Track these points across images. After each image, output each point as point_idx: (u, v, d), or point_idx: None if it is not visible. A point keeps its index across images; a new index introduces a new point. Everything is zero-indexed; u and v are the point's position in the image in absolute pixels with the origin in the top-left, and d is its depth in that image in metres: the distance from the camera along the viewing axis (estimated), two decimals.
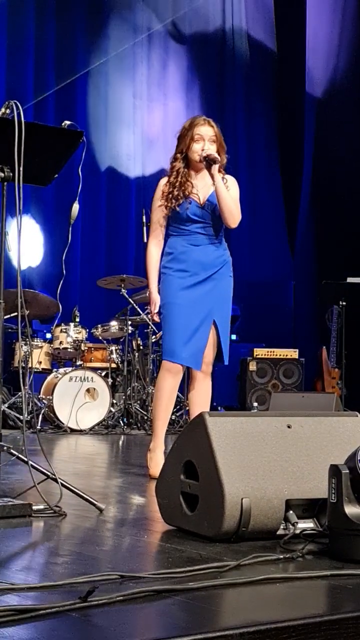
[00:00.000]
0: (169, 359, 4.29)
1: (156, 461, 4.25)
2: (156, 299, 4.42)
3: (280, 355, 8.89)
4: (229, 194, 4.28)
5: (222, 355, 4.38)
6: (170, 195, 4.30)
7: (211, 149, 4.26)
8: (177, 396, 7.77)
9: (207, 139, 4.28)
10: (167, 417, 4.40)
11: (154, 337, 7.77)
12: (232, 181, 4.37)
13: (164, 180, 4.38)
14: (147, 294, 4.55)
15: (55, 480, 3.17)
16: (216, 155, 4.23)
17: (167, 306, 4.32)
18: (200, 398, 4.40)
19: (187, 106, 10.55)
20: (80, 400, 7.31)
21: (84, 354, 7.80)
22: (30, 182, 3.41)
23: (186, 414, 7.16)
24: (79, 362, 7.75)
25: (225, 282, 4.39)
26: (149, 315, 4.52)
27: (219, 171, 4.28)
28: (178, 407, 7.84)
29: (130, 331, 7.82)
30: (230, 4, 11.10)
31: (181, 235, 4.34)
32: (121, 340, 7.98)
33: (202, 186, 4.34)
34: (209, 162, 4.23)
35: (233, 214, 4.29)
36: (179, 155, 4.34)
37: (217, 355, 4.39)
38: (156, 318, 4.46)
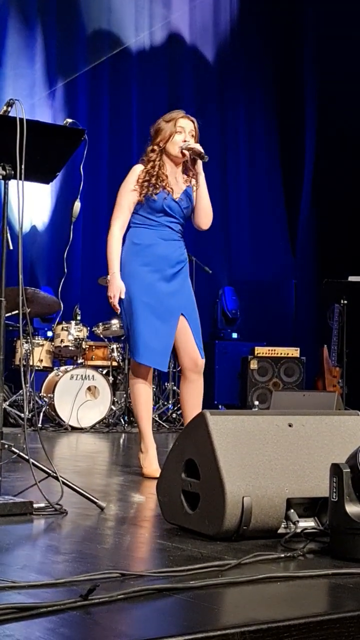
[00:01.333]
0: (134, 358, 4.24)
1: (150, 461, 4.24)
2: (120, 285, 4.18)
3: (281, 353, 8.90)
4: (207, 196, 4.26)
5: (201, 350, 4.29)
6: (147, 183, 4.21)
7: (192, 143, 4.22)
8: (177, 394, 7.80)
9: (187, 132, 4.24)
10: (148, 415, 4.34)
11: None
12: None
13: (139, 167, 4.28)
14: (107, 279, 4.24)
15: (56, 478, 3.17)
16: (202, 150, 4.18)
17: (131, 302, 4.18)
18: (193, 398, 4.32)
19: (188, 99, 10.53)
20: (81, 398, 7.32)
21: (85, 352, 7.80)
22: (32, 180, 3.41)
23: None
24: (80, 360, 7.75)
25: (187, 281, 4.34)
26: (111, 301, 4.25)
27: (191, 175, 4.26)
28: (179, 405, 7.84)
29: None
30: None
31: (149, 227, 4.25)
32: (122, 338, 7.98)
33: (175, 180, 4.28)
34: (194, 156, 4.18)
35: (209, 216, 4.28)
36: (156, 147, 4.27)
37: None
38: (117, 306, 4.21)
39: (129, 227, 4.30)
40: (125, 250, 4.27)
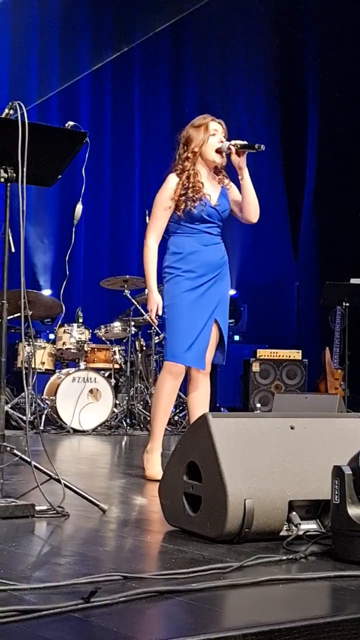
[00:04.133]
0: (173, 360, 4.23)
1: (153, 463, 4.23)
2: (157, 299, 4.27)
3: (283, 356, 8.89)
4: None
5: (222, 355, 4.35)
6: (185, 197, 4.20)
7: (226, 143, 4.23)
8: (179, 396, 7.81)
9: (220, 133, 4.27)
10: (165, 419, 4.36)
11: (156, 337, 7.77)
12: (234, 186, 4.35)
13: (174, 179, 4.25)
14: (146, 293, 4.35)
15: (58, 480, 3.17)
16: (244, 142, 4.20)
17: (172, 307, 4.24)
18: (200, 399, 4.35)
19: (188, 103, 10.55)
20: (83, 401, 7.31)
21: (87, 355, 7.80)
22: (34, 183, 3.41)
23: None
24: (82, 363, 7.75)
25: (225, 281, 4.36)
26: (148, 315, 4.36)
27: (222, 175, 4.28)
28: (181, 407, 7.84)
29: (133, 332, 7.82)
30: None
31: (191, 235, 4.26)
32: (124, 341, 7.98)
33: (211, 186, 4.29)
34: (248, 150, 4.18)
35: (257, 209, 4.29)
36: (190, 155, 4.25)
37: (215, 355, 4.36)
38: (154, 320, 4.35)
39: (168, 235, 4.33)
40: (167, 259, 4.29)
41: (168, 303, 4.26)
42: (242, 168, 4.22)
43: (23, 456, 3.17)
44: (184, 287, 4.23)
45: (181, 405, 7.84)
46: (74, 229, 3.48)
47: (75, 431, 7.20)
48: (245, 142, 4.21)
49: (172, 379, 4.27)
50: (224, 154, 4.25)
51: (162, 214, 4.27)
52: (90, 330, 7.88)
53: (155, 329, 7.63)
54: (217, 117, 4.35)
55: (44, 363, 7.68)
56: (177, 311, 4.23)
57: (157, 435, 4.31)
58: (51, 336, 8.17)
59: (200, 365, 4.29)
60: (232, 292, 10.59)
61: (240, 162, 4.21)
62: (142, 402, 7.77)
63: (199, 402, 4.34)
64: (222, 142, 4.24)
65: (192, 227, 4.26)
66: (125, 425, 7.51)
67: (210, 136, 4.24)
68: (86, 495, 3.20)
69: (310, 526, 2.67)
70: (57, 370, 7.83)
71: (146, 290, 4.35)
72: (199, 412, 4.15)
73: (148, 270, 4.29)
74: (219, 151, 4.24)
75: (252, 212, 4.29)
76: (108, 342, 7.99)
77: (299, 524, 2.64)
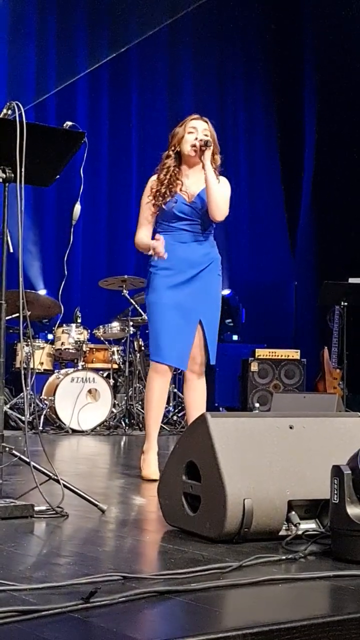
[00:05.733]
0: (154, 358, 4.30)
1: (149, 463, 4.24)
2: (155, 243, 4.21)
3: (281, 355, 8.89)
4: (218, 185, 4.23)
5: (209, 355, 4.32)
6: (158, 193, 4.27)
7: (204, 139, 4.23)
8: (179, 396, 7.81)
9: (200, 131, 4.26)
10: (158, 418, 4.36)
11: None
12: (223, 180, 4.32)
13: (153, 178, 4.35)
14: (150, 249, 4.26)
15: (57, 481, 3.17)
16: (208, 138, 4.20)
17: (152, 306, 4.28)
18: (195, 400, 4.36)
19: (186, 104, 10.55)
20: (82, 401, 7.31)
21: (86, 355, 7.80)
22: (32, 183, 3.41)
23: None
24: (80, 363, 7.75)
25: (213, 280, 4.34)
26: (156, 253, 4.28)
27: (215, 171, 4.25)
28: (180, 407, 7.85)
29: (131, 332, 7.82)
30: None
31: (167, 232, 4.28)
32: (123, 341, 7.98)
33: (193, 182, 4.30)
34: (201, 147, 4.19)
35: (219, 206, 4.22)
36: (171, 151, 4.31)
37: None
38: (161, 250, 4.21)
39: (154, 234, 4.34)
40: (151, 259, 4.32)
41: (148, 302, 4.31)
42: (204, 161, 4.19)
43: (22, 456, 3.17)
44: (162, 284, 4.25)
45: (180, 405, 7.84)
46: (72, 229, 3.48)
47: (74, 431, 7.20)
48: (207, 141, 4.20)
49: (158, 377, 4.29)
50: (199, 150, 4.22)
51: (143, 214, 4.33)
52: (89, 331, 7.88)
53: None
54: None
55: (42, 363, 7.68)
56: (156, 309, 4.26)
57: (151, 434, 4.32)
58: (50, 336, 8.17)
59: (182, 366, 4.29)
60: (227, 291, 10.58)
61: (204, 155, 4.19)
62: (140, 402, 7.76)
63: (195, 402, 4.36)
64: (197, 139, 4.22)
65: (168, 224, 4.29)
66: (124, 425, 7.51)
67: (188, 134, 4.25)
68: (85, 496, 3.20)
69: (309, 526, 2.67)
70: (55, 371, 7.82)
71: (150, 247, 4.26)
72: (195, 413, 4.18)
73: (142, 243, 4.30)
74: (194, 147, 4.23)
75: (214, 210, 4.23)
76: (107, 342, 7.99)
77: (298, 523, 2.64)
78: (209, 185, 4.20)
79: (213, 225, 4.35)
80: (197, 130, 4.26)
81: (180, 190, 4.27)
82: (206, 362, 4.37)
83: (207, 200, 4.23)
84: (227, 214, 4.29)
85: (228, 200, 4.31)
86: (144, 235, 4.34)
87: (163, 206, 4.25)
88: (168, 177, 4.27)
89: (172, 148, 4.31)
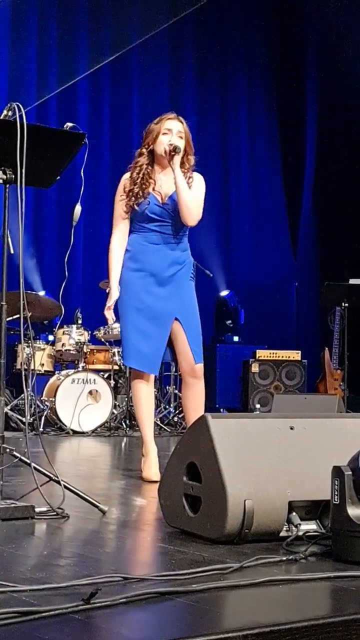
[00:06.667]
0: (126, 363, 4.31)
1: (148, 464, 4.22)
2: (115, 296, 4.28)
3: (282, 356, 8.89)
4: (189, 190, 4.18)
5: (197, 355, 4.27)
6: (131, 193, 4.22)
7: (178, 143, 4.19)
8: (179, 397, 7.80)
9: (174, 133, 4.23)
10: (150, 419, 4.35)
11: None
12: (197, 179, 4.28)
13: (126, 175, 4.30)
14: (107, 290, 4.38)
15: (58, 482, 3.17)
16: (177, 144, 4.16)
17: (123, 306, 4.26)
18: (193, 402, 4.33)
19: (187, 104, 10.54)
20: (83, 402, 7.31)
21: (87, 356, 7.80)
22: (33, 184, 3.41)
23: None
24: (81, 364, 7.75)
25: (184, 284, 4.29)
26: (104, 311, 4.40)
27: (183, 167, 4.20)
28: (181, 408, 7.84)
29: None
30: None
31: (139, 233, 4.25)
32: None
33: (166, 182, 4.25)
34: (170, 152, 4.15)
35: (190, 210, 4.17)
36: (144, 150, 4.26)
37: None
38: (107, 313, 4.33)
39: (129, 233, 4.32)
40: (123, 258, 4.30)
41: (120, 301, 4.29)
42: (173, 166, 4.15)
43: (23, 458, 3.17)
44: (135, 286, 4.23)
45: (180, 406, 7.83)
46: (72, 231, 3.48)
47: (75, 432, 7.19)
48: (176, 147, 4.15)
49: (139, 381, 4.28)
50: (168, 155, 4.18)
51: (117, 212, 4.30)
52: (90, 332, 7.88)
53: None
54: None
55: (43, 364, 7.68)
56: (127, 312, 4.25)
57: (146, 437, 4.30)
58: (50, 337, 8.17)
59: (151, 370, 4.25)
60: (226, 292, 10.58)
61: (173, 160, 4.16)
62: None
63: (193, 404, 4.33)
64: (170, 142, 4.18)
65: (141, 225, 4.26)
66: (124, 426, 7.51)
67: (162, 134, 4.21)
68: (86, 497, 3.20)
69: (310, 527, 2.67)
70: (56, 372, 7.82)
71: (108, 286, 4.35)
72: (193, 415, 4.17)
73: (109, 267, 4.31)
74: (166, 149, 4.19)
75: (185, 215, 4.18)
76: (107, 344, 7.99)
77: (299, 524, 2.64)
78: (178, 192, 4.16)
79: (186, 228, 4.29)
80: (171, 132, 4.21)
81: (153, 189, 4.23)
82: (204, 363, 4.35)
83: (178, 205, 4.18)
84: (199, 219, 4.24)
85: (201, 204, 4.25)
86: (116, 246, 4.29)
87: (136, 207, 4.21)
88: (141, 175, 4.22)
89: (146, 146, 4.25)
